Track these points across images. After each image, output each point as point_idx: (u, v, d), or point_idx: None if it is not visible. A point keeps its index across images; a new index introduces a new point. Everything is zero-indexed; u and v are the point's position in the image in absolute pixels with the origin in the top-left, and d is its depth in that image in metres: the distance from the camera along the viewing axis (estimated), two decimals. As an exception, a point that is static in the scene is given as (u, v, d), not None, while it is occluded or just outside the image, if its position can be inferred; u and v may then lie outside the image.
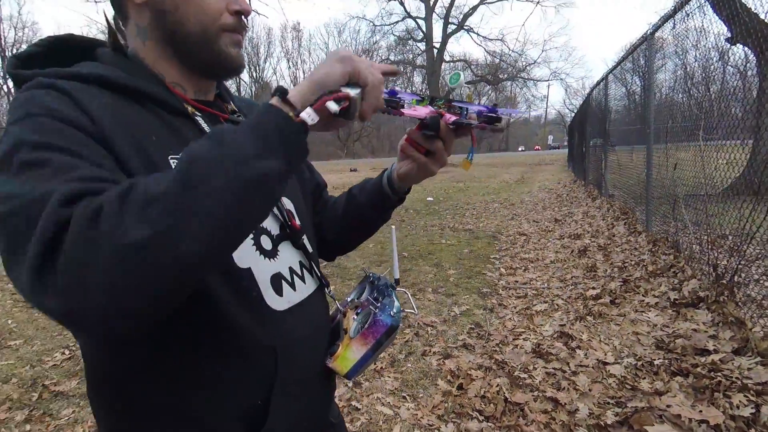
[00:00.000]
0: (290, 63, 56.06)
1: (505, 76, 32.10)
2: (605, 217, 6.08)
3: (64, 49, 0.59)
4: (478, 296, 3.60)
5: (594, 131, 9.55)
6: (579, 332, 2.72)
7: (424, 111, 0.65)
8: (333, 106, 0.49)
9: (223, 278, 0.57)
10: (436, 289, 3.80)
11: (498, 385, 2.25)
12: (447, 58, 31.48)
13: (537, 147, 66.63)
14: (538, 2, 26.99)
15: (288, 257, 0.67)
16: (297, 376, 0.64)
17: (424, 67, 31.62)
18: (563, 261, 4.40)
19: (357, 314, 0.74)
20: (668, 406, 1.85)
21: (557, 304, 3.26)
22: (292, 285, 0.66)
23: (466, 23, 29.51)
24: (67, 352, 2.87)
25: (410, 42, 31.92)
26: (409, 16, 30.43)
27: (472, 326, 3.02)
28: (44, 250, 0.38)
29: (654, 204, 4.57)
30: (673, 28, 4.06)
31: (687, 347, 2.25)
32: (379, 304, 0.72)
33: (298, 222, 0.71)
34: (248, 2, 0.62)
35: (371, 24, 32.26)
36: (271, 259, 0.64)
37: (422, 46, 30.68)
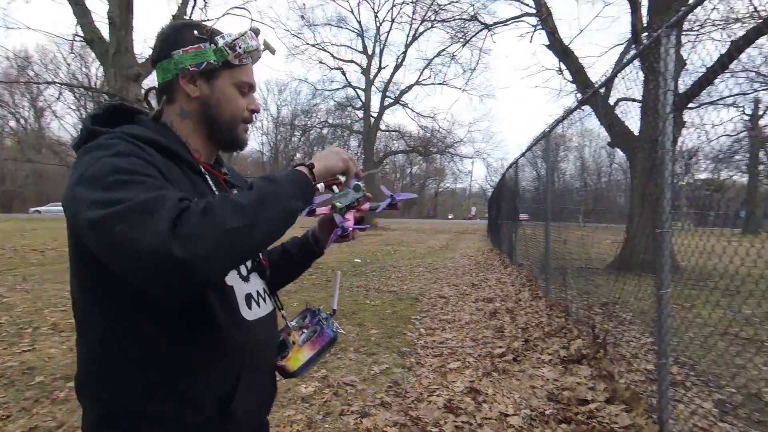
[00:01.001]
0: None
1: (435, 149, 34.54)
2: (514, 283, 6.69)
3: (115, 113, 0.84)
4: (397, 355, 3.76)
5: (507, 207, 10.64)
6: (486, 387, 2.98)
7: (325, 210, 1.01)
8: (335, 189, 0.91)
9: (217, 292, 0.79)
10: (358, 349, 3.90)
11: (411, 439, 2.39)
12: (383, 127, 33.35)
13: (470, 216, 70.71)
14: (464, 90, 30.26)
15: (256, 283, 0.92)
16: (256, 371, 0.86)
17: (360, 133, 33.17)
18: (476, 322, 4.77)
19: (303, 332, 1.00)
20: (553, 449, 2.12)
21: (469, 362, 3.53)
22: (258, 303, 0.90)
23: (402, 99, 31.83)
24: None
25: (349, 108, 33.55)
26: (350, 86, 32.18)
27: (391, 384, 3.15)
28: (175, 219, 0.60)
29: (552, 273, 5.20)
30: (563, 129, 4.96)
31: (571, 398, 2.59)
32: (324, 323, 1.01)
33: (264, 260, 0.97)
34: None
35: (313, 87, 33.71)
36: (246, 283, 0.88)
37: (360, 113, 32.29)
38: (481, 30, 16.25)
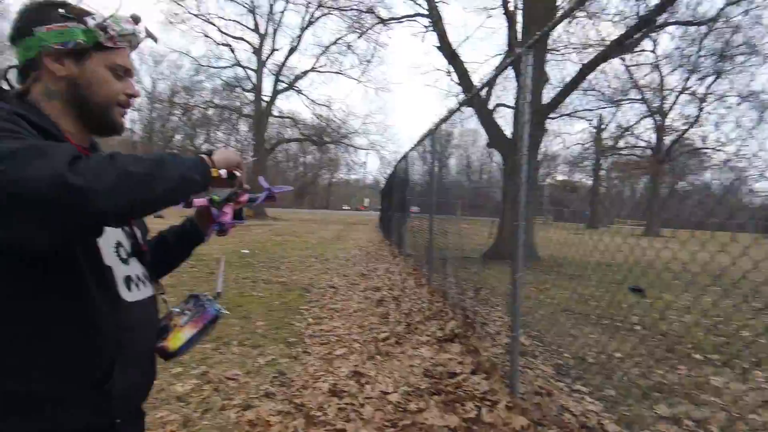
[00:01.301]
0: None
1: (330, 139, 34.31)
2: (401, 272, 7.08)
3: None
4: (284, 346, 3.75)
5: (398, 199, 11.14)
6: (369, 370, 3.14)
7: (202, 201, 1.05)
8: (237, 173, 0.93)
9: (93, 271, 0.79)
10: (242, 342, 3.79)
11: (294, 426, 2.42)
12: (275, 112, 32.03)
13: (361, 207, 72.02)
14: (360, 81, 30.47)
15: (136, 267, 0.93)
16: (134, 353, 0.87)
17: (251, 117, 31.44)
18: (364, 310, 4.96)
19: (186, 313, 1.01)
20: (426, 419, 2.34)
21: (354, 348, 3.67)
22: (138, 286, 0.91)
23: (297, 84, 30.88)
24: None
25: (239, 90, 31.38)
26: (239, 65, 29.96)
27: (276, 375, 3.14)
28: (71, 159, 0.61)
29: (435, 263, 5.62)
30: (449, 127, 5.37)
31: (443, 372, 2.88)
32: (207, 304, 1.03)
33: (144, 246, 0.98)
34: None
35: (196, 62, 30.58)
36: (125, 265, 0.89)
37: (251, 96, 30.53)
38: (377, 24, 16.66)
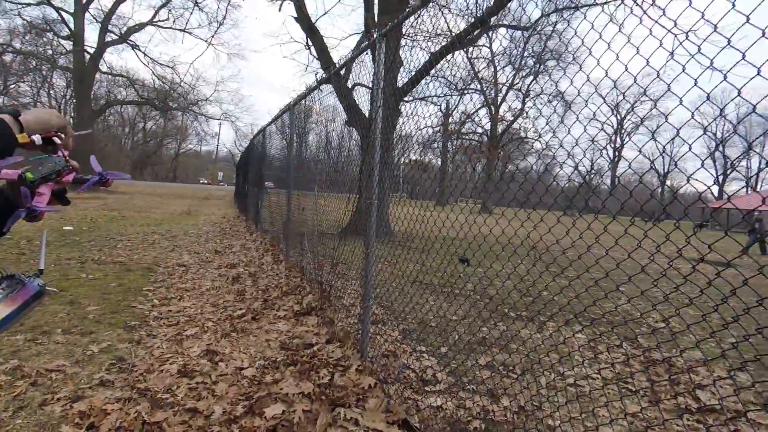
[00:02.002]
0: None
1: (176, 105, 30.63)
2: (258, 248, 6.90)
3: None
4: (123, 330, 3.40)
5: (254, 174, 10.67)
6: (223, 347, 3.07)
7: (12, 174, 0.93)
8: (57, 140, 0.83)
9: None
10: (69, 330, 3.32)
11: (137, 411, 2.26)
12: (104, 68, 27.11)
13: (208, 181, 66.79)
14: (210, 44, 27.58)
15: None
16: None
17: (69, 71, 26.00)
18: (218, 288, 4.74)
19: None
20: (281, 389, 2.42)
21: (207, 327, 3.52)
22: None
23: (132, 38, 26.58)
24: None
25: (50, 35, 25.56)
26: (50, 4, 24.35)
27: (114, 361, 2.85)
28: None
29: (292, 238, 5.64)
30: (307, 103, 5.35)
31: (300, 344, 2.99)
32: (26, 280, 0.90)
33: None
34: None
35: (-22, -10, 23.65)
36: None
37: (69, 45, 25.20)
38: (231, -18, 15.24)
